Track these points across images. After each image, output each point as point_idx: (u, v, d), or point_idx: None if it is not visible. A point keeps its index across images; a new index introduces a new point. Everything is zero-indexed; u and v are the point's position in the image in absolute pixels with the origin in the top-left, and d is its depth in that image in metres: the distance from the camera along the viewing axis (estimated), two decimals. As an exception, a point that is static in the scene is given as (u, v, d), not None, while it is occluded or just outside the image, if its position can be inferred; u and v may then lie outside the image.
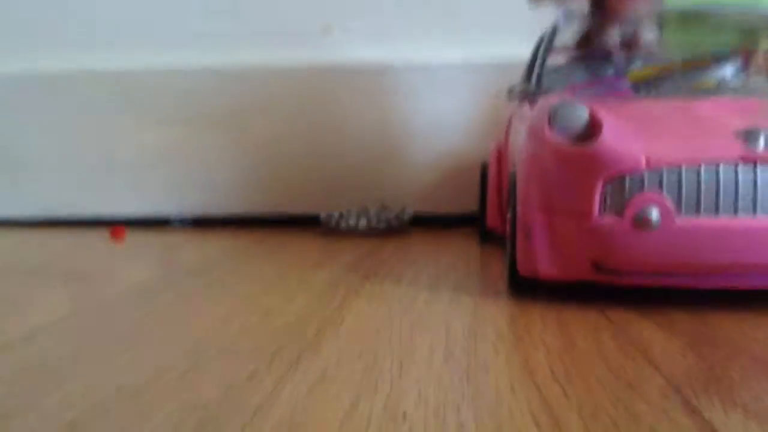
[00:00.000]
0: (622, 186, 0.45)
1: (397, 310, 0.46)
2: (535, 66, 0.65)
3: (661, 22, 0.64)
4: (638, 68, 0.67)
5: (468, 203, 0.92)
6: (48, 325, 0.42)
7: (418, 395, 0.29)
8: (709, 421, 0.26)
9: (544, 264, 0.48)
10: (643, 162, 0.44)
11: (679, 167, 0.44)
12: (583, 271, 0.47)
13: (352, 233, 0.89)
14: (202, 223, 1.09)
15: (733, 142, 0.44)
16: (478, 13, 0.97)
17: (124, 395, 0.29)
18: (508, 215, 0.55)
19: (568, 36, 0.64)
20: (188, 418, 0.26)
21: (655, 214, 0.44)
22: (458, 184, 0.98)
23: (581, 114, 0.47)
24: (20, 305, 0.49)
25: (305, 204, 1.01)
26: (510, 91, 0.67)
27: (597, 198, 0.45)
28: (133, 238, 0.93)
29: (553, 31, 0.65)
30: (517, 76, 0.72)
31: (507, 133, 0.71)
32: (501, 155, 0.75)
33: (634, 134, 0.45)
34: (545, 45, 0.64)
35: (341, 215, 0.92)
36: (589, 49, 0.63)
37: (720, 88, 0.62)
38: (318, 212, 0.95)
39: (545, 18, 0.65)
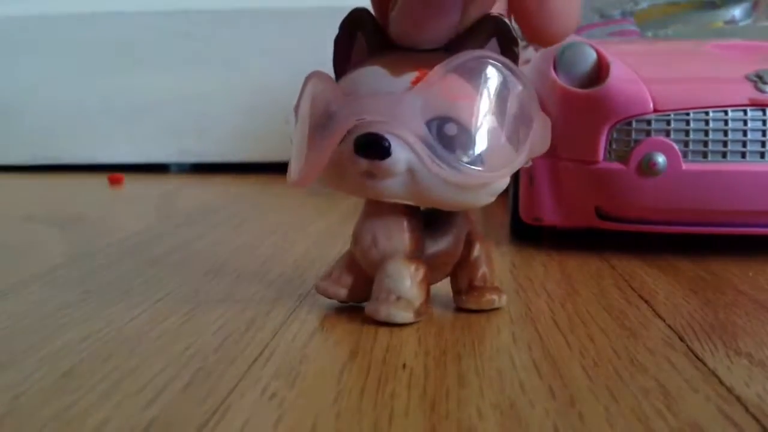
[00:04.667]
0: (629, 131, 0.44)
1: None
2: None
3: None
4: (645, 9, 0.65)
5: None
6: (45, 272, 0.42)
7: (418, 344, 0.29)
8: (713, 369, 0.26)
9: (547, 211, 0.47)
10: (651, 106, 0.43)
11: (687, 111, 0.43)
12: (587, 218, 0.47)
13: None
14: (200, 169, 1.09)
15: (743, 86, 0.43)
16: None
17: (122, 344, 0.29)
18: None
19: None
20: (186, 367, 0.26)
21: (661, 159, 0.43)
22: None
23: (588, 56, 0.46)
24: (17, 252, 0.49)
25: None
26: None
27: (603, 143, 0.44)
28: (132, 184, 0.92)
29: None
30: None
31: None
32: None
33: (642, 77, 0.44)
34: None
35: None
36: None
37: (729, 29, 0.61)
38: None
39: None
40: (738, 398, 0.24)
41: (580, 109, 0.45)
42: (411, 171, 0.29)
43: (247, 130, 1.05)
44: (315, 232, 0.55)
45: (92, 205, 0.76)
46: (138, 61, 1.06)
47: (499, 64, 0.29)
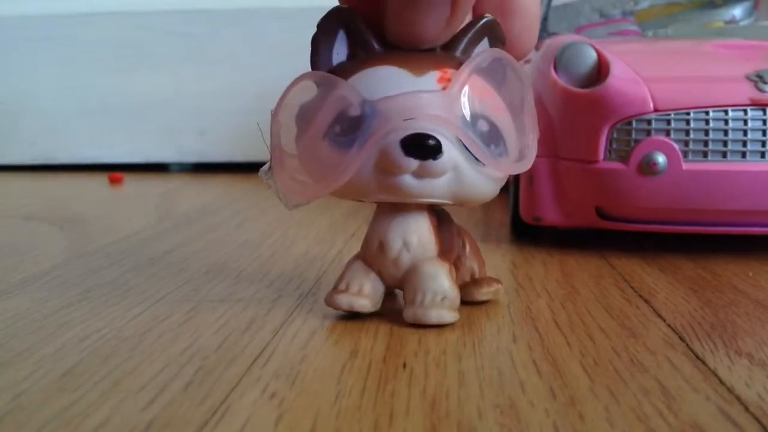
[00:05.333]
0: (629, 130, 0.44)
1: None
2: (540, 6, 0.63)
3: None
4: (645, 8, 0.65)
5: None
6: (45, 272, 0.42)
7: (418, 344, 0.29)
8: (713, 369, 0.26)
9: (547, 211, 0.47)
10: (651, 106, 0.43)
11: (687, 111, 0.43)
12: (587, 217, 0.47)
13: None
14: (200, 169, 1.09)
15: (743, 86, 0.43)
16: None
17: (122, 343, 0.29)
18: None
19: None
20: (186, 367, 0.26)
21: (661, 159, 0.43)
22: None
23: (589, 56, 0.46)
24: (17, 252, 0.49)
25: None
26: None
27: (603, 143, 0.44)
28: (132, 184, 0.92)
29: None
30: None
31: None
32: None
33: (642, 77, 0.44)
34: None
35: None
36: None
37: (729, 28, 0.61)
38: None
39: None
40: (738, 398, 0.24)
41: (580, 109, 0.45)
42: (456, 169, 0.29)
43: (247, 130, 1.05)
44: (315, 231, 0.55)
45: (92, 205, 0.76)
46: (138, 61, 1.06)
47: (508, 60, 0.30)
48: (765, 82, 0.43)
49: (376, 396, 0.24)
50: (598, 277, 0.40)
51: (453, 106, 0.29)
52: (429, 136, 0.28)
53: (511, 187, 0.52)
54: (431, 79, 0.29)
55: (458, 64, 0.29)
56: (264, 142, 0.31)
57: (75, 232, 0.57)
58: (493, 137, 0.29)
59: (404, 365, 0.26)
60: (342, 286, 0.32)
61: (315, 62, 0.31)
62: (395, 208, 0.31)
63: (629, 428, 0.21)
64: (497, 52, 0.30)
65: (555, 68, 0.46)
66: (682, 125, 0.43)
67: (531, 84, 0.31)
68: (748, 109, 0.43)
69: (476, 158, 0.29)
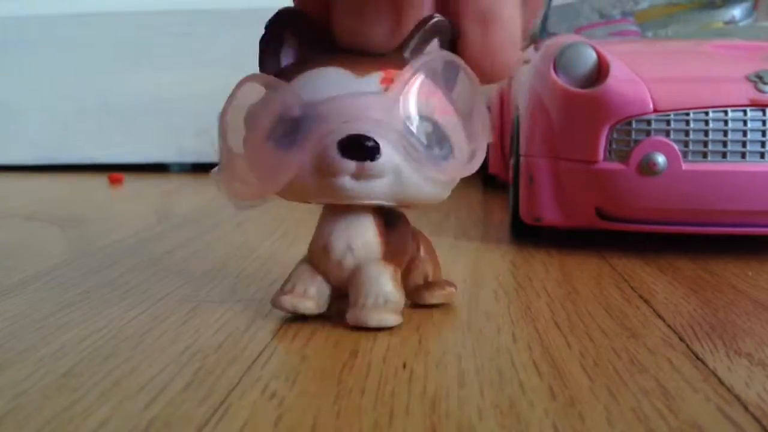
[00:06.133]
0: (629, 131, 0.44)
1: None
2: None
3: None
4: (645, 9, 0.65)
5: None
6: (45, 272, 0.42)
7: (418, 344, 0.29)
8: (713, 369, 0.26)
9: (547, 211, 0.47)
10: (651, 106, 0.43)
11: (687, 111, 0.43)
12: (587, 218, 0.47)
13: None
14: (200, 169, 1.09)
15: (743, 86, 0.43)
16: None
17: (122, 344, 0.29)
18: (511, 161, 0.54)
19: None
20: (186, 367, 0.26)
21: (661, 159, 0.43)
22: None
23: (588, 56, 0.46)
24: (17, 251, 0.49)
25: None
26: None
27: (603, 143, 0.44)
28: (132, 184, 0.92)
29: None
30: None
31: (510, 77, 0.70)
32: (504, 99, 0.74)
33: (642, 77, 0.44)
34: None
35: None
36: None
37: (729, 29, 0.61)
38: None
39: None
40: (738, 398, 0.24)
41: (580, 109, 0.45)
42: (396, 171, 0.28)
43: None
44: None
45: (92, 205, 0.76)
46: (138, 61, 1.06)
47: (458, 63, 0.29)
48: (765, 83, 0.43)
49: (376, 396, 0.24)
50: (597, 277, 0.40)
51: (393, 107, 0.28)
52: (366, 138, 0.28)
53: (511, 187, 0.52)
54: (374, 80, 0.28)
55: (404, 65, 0.29)
56: (212, 144, 0.31)
57: (75, 232, 0.57)
58: (437, 139, 0.29)
59: (404, 365, 0.26)
60: (287, 288, 0.32)
61: (262, 63, 0.31)
62: (340, 210, 0.31)
63: (629, 428, 0.21)
64: (448, 54, 0.29)
65: (555, 69, 0.46)
66: (682, 125, 0.43)
67: (484, 91, 0.30)
68: (748, 109, 0.43)
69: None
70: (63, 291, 0.37)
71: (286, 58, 0.30)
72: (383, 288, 0.30)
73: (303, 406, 0.23)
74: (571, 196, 0.46)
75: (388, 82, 0.28)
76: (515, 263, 0.44)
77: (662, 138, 0.43)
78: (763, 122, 0.43)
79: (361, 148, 0.28)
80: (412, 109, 0.29)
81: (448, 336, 0.30)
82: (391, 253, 0.31)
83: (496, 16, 0.28)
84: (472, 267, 0.43)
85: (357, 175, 0.28)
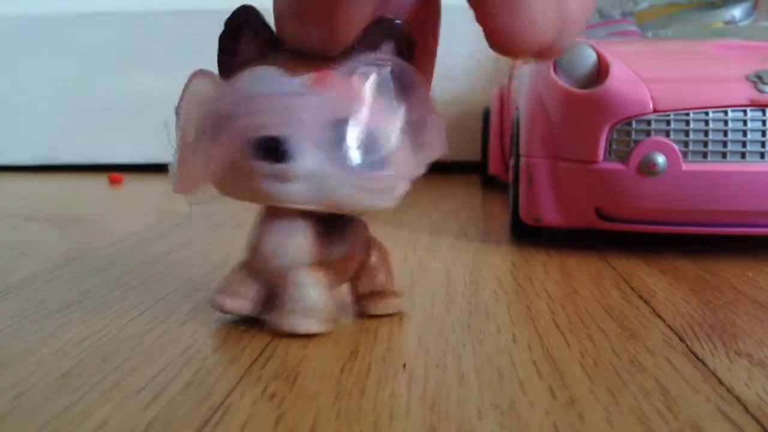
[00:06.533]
0: (629, 131, 0.44)
1: (396, 256, 0.45)
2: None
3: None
4: (645, 9, 0.65)
5: (470, 150, 0.91)
6: (45, 272, 0.42)
7: (418, 344, 0.29)
8: (713, 369, 0.26)
9: (547, 211, 0.47)
10: (651, 106, 0.43)
11: (687, 112, 0.43)
12: (587, 218, 0.47)
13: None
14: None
15: (743, 86, 0.43)
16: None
17: (122, 344, 0.29)
18: (511, 161, 0.54)
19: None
20: (186, 367, 0.26)
21: (661, 159, 0.43)
22: (460, 130, 0.96)
23: (588, 56, 0.46)
24: (17, 252, 0.49)
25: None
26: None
27: (602, 143, 0.44)
28: (132, 184, 0.92)
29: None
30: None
31: (510, 78, 0.70)
32: (504, 100, 0.74)
33: (642, 78, 0.44)
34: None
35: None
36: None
37: (729, 29, 0.61)
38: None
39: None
40: (738, 398, 0.24)
41: (580, 110, 0.45)
42: (315, 174, 0.27)
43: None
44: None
45: (92, 205, 0.76)
46: (138, 61, 1.06)
47: (397, 67, 0.28)
48: (765, 83, 0.43)
49: (376, 396, 0.24)
50: (597, 277, 0.40)
51: (319, 108, 0.27)
52: (278, 140, 0.27)
53: (511, 187, 0.52)
54: (305, 80, 0.28)
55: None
56: (168, 139, 0.31)
57: (75, 232, 0.57)
58: (367, 146, 0.27)
59: (404, 365, 0.26)
60: (223, 288, 0.31)
61: (219, 60, 0.31)
62: (274, 212, 0.30)
63: (629, 429, 0.21)
64: (397, 60, 0.28)
65: (555, 69, 0.46)
66: (682, 126, 0.43)
67: (434, 106, 0.29)
68: (748, 109, 0.43)
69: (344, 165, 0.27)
70: (63, 291, 0.37)
71: (243, 55, 0.30)
72: (306, 293, 0.29)
73: (303, 407, 0.23)
74: (571, 197, 0.46)
75: (320, 83, 0.27)
76: (515, 263, 0.44)
77: (662, 138, 0.43)
78: (763, 122, 0.43)
79: (272, 150, 0.27)
80: (336, 111, 0.27)
81: (448, 336, 0.30)
82: (328, 260, 0.30)
83: None
84: (472, 267, 0.43)
85: (272, 177, 0.28)
